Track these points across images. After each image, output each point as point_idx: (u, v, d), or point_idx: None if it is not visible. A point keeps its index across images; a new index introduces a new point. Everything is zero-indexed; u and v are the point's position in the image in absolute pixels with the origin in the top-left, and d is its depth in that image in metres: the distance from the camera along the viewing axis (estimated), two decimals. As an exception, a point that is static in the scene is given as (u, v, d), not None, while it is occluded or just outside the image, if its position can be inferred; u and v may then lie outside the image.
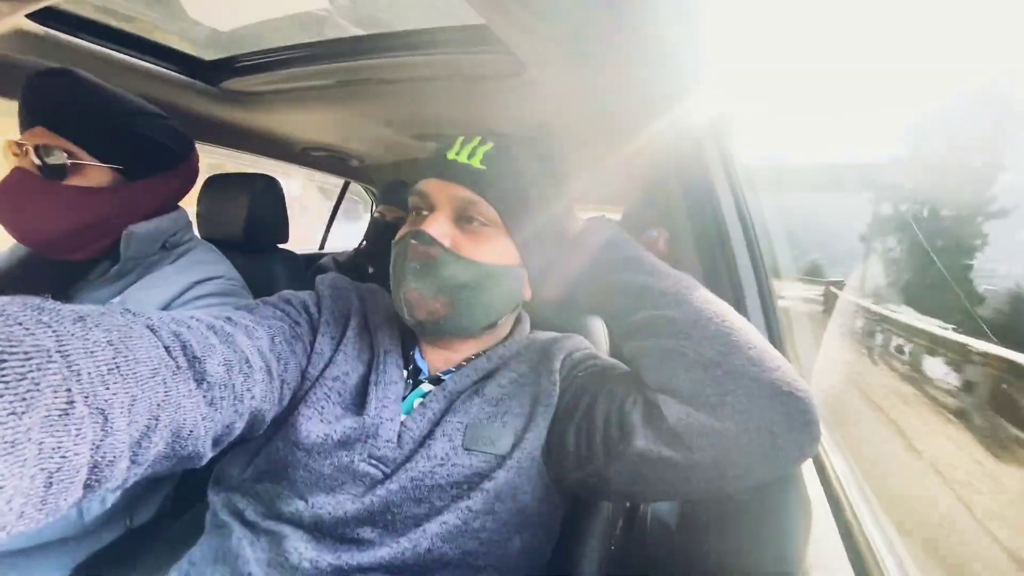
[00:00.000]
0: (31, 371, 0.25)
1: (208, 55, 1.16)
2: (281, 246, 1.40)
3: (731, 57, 0.76)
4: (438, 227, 0.54)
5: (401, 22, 1.03)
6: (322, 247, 2.42)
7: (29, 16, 0.78)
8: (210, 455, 0.43)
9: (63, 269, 0.78)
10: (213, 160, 1.42)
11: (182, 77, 1.13)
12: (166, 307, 0.78)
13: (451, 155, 0.56)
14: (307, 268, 1.82)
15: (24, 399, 0.24)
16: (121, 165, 0.75)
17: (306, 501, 0.51)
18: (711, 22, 0.67)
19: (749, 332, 0.49)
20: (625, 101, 0.86)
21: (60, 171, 0.71)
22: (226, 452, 0.56)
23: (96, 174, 0.74)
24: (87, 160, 0.72)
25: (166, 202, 0.84)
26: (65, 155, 0.71)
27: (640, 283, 0.54)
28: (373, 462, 0.53)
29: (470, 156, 0.56)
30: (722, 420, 0.44)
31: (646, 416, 0.48)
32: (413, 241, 0.54)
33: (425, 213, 0.58)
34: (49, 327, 0.28)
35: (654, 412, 0.48)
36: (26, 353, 0.25)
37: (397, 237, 0.59)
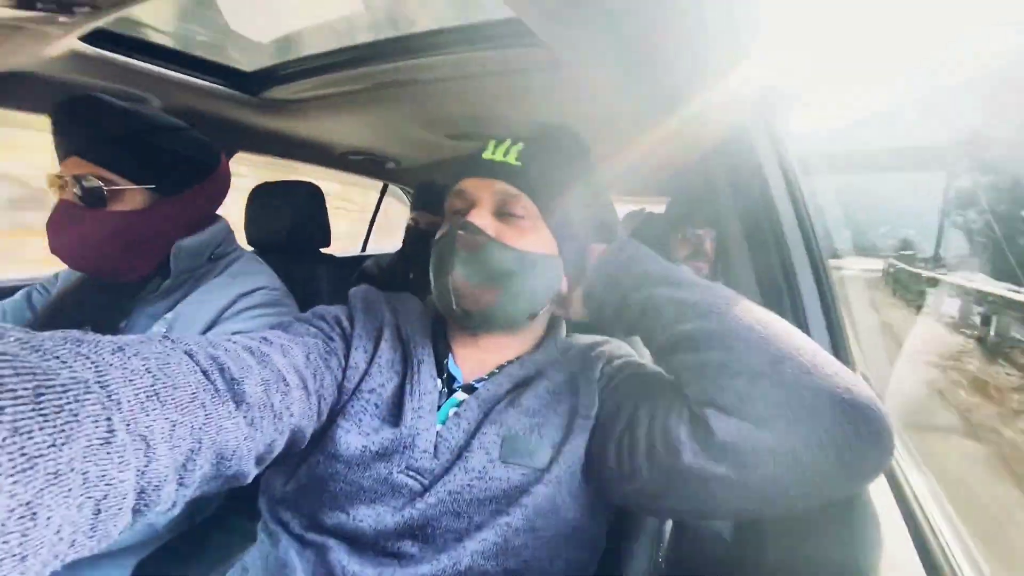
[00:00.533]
0: (69, 403, 0.25)
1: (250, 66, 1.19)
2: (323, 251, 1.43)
3: (784, 35, 0.70)
4: (482, 219, 0.57)
5: (434, 21, 1.02)
6: (364, 249, 2.46)
7: (82, 38, 0.82)
8: (255, 473, 0.44)
9: (118, 288, 0.81)
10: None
11: (225, 89, 1.16)
12: (215, 320, 0.80)
13: (487, 155, 0.60)
14: (350, 271, 1.86)
15: (63, 431, 0.24)
16: (154, 184, 0.77)
17: (347, 514, 0.51)
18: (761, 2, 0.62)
19: (796, 337, 0.45)
20: (665, 88, 0.82)
21: (99, 198, 0.73)
22: (269, 465, 0.58)
23: (133, 196, 0.76)
24: (122, 184, 0.74)
25: (203, 212, 0.86)
26: (100, 182, 0.73)
27: (668, 297, 0.51)
28: (411, 473, 0.52)
29: (505, 154, 0.59)
30: (776, 434, 0.41)
31: (693, 431, 0.45)
32: (460, 232, 0.56)
33: (465, 211, 0.59)
34: (88, 358, 0.28)
35: (701, 427, 0.44)
36: (63, 386, 0.25)
37: (439, 234, 0.60)
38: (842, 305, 0.74)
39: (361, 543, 0.51)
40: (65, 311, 0.81)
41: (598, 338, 0.67)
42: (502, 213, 0.58)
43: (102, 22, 0.76)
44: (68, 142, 0.74)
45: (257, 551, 0.57)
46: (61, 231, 0.75)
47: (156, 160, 0.77)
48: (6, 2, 0.63)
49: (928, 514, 0.51)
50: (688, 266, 1.28)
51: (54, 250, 0.75)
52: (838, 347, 0.67)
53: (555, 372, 0.61)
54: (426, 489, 0.52)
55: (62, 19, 0.69)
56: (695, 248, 1.33)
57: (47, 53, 0.84)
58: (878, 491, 0.52)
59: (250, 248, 1.25)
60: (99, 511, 0.26)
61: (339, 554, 0.50)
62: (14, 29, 0.74)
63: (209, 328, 0.80)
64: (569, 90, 0.98)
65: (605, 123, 1.20)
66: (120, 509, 0.27)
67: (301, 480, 0.55)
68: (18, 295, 0.92)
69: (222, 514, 0.91)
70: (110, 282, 0.81)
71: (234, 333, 0.78)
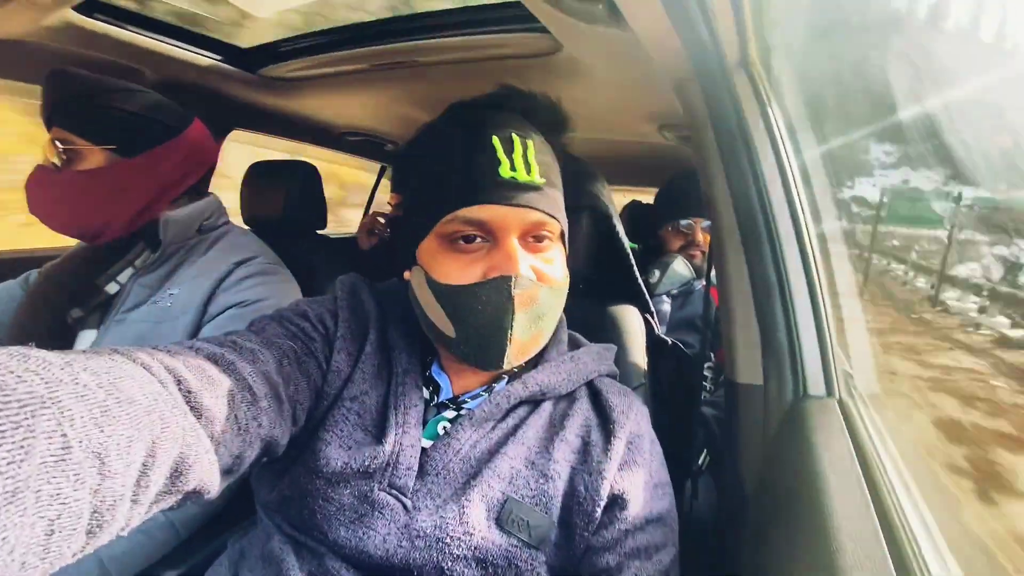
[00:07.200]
0: (26, 419, 0.24)
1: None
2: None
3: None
4: (525, 263, 0.49)
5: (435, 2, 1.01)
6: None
7: (75, 8, 0.81)
8: (220, 487, 0.41)
9: (102, 255, 0.84)
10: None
11: (222, 65, 1.15)
12: (214, 290, 0.81)
13: (507, 172, 0.48)
14: (345, 251, 1.85)
15: (22, 447, 0.24)
16: (113, 145, 0.79)
17: (328, 535, 0.49)
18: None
19: None
20: (662, 76, 0.81)
21: (64, 160, 0.78)
22: (258, 468, 0.54)
23: (93, 157, 0.79)
24: (82, 145, 0.78)
25: (173, 177, 0.85)
26: (63, 146, 0.77)
27: None
28: (393, 492, 0.49)
29: (527, 170, 0.49)
30: None
31: None
32: (517, 291, 0.48)
33: (478, 238, 0.50)
34: (37, 374, 0.27)
35: None
36: (20, 401, 0.25)
37: (471, 282, 0.49)
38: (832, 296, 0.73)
39: (347, 560, 0.49)
40: (50, 282, 0.85)
41: (598, 358, 0.62)
42: (527, 240, 0.51)
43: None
44: (45, 113, 0.79)
45: (254, 536, 0.56)
46: (34, 193, 0.80)
47: (115, 122, 0.80)
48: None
49: (896, 495, 0.51)
50: (682, 257, 1.28)
51: (32, 211, 0.80)
52: (822, 338, 0.67)
53: (561, 399, 0.58)
54: (410, 516, 0.48)
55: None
56: (687, 238, 1.33)
57: (42, 23, 0.83)
58: (847, 468, 0.52)
59: (245, 228, 1.25)
60: (52, 531, 0.25)
61: (332, 561, 0.49)
62: (6, -2, 0.73)
63: (208, 299, 0.80)
64: (570, 77, 0.97)
65: (603, 113, 1.19)
66: (74, 530, 0.27)
67: (284, 492, 0.52)
68: (19, 278, 0.94)
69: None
70: (90, 244, 0.85)
71: (229, 308, 0.80)
